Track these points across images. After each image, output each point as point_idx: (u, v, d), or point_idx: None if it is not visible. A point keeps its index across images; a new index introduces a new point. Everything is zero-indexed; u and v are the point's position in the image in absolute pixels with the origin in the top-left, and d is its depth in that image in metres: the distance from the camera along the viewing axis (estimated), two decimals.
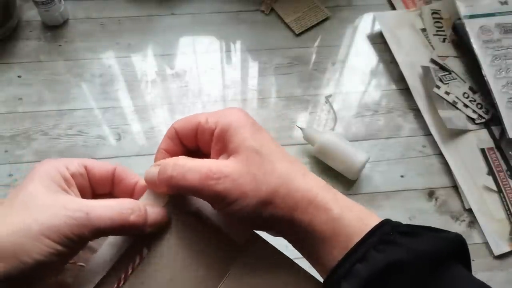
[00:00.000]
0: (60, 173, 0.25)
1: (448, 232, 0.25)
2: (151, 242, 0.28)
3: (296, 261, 0.27)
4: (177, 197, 0.28)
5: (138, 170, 0.52)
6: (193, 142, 0.28)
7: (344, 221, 0.24)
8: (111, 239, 0.27)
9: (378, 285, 0.22)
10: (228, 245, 0.29)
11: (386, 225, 0.24)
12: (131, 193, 0.29)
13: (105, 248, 0.27)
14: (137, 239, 0.27)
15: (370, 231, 0.23)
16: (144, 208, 0.26)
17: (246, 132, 0.26)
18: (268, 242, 0.29)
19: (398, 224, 0.25)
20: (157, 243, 0.28)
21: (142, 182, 0.28)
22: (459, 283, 0.24)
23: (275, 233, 0.27)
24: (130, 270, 0.27)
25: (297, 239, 0.26)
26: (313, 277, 0.27)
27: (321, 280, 0.26)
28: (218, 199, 0.24)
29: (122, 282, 0.27)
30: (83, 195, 0.26)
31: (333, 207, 0.24)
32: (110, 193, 0.29)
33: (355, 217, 0.24)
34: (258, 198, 0.24)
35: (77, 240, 0.23)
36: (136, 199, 0.28)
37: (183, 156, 0.27)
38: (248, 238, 0.29)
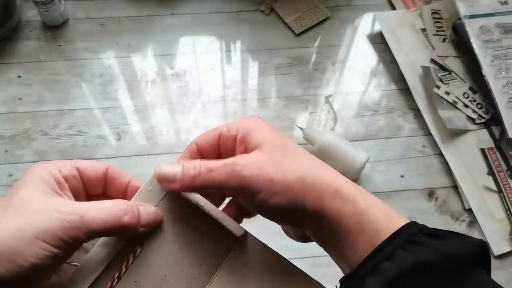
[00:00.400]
0: (53, 176, 0.25)
1: (473, 237, 0.24)
2: (144, 240, 0.28)
3: (293, 261, 0.28)
4: (171, 194, 0.28)
5: (138, 170, 0.52)
6: (214, 154, 0.28)
7: (371, 216, 0.24)
8: (104, 239, 0.27)
9: (404, 285, 0.22)
10: (225, 238, 0.29)
11: (413, 226, 0.24)
12: (124, 192, 0.28)
13: (98, 248, 0.27)
14: (131, 238, 0.27)
15: (397, 230, 0.23)
16: (137, 209, 0.26)
17: (266, 131, 0.26)
18: (262, 243, 0.29)
19: (424, 226, 0.24)
20: (150, 241, 0.28)
21: (134, 181, 0.28)
22: (484, 287, 0.23)
23: (299, 225, 0.26)
24: (123, 269, 0.27)
25: (321, 231, 0.25)
26: (308, 276, 0.27)
27: (312, 277, 0.26)
28: (245, 186, 0.24)
29: (115, 282, 0.27)
30: (77, 197, 0.26)
31: (360, 200, 0.24)
32: (103, 194, 0.28)
33: (382, 214, 0.24)
34: (285, 185, 0.24)
35: (72, 242, 0.23)
36: (129, 199, 0.27)
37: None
38: (243, 235, 0.29)
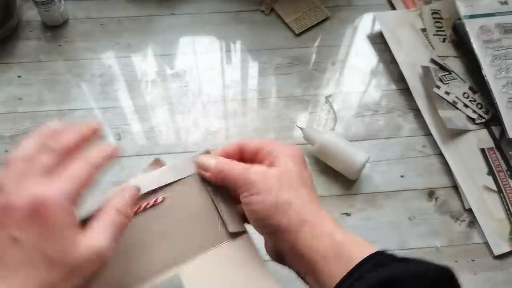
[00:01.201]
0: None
1: (437, 264, 0.28)
2: (167, 196, 0.34)
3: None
4: (197, 175, 0.35)
5: (138, 170, 0.52)
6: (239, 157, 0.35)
7: (346, 247, 0.28)
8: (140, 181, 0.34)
9: None
10: (220, 228, 0.35)
11: (381, 254, 0.28)
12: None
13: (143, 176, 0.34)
14: (161, 187, 0.34)
15: (367, 257, 0.27)
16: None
17: (291, 160, 0.33)
18: (252, 244, 0.34)
19: (392, 254, 0.28)
20: (170, 201, 0.34)
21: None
22: None
23: (278, 242, 0.31)
24: (141, 207, 0.33)
25: (298, 256, 0.30)
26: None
27: None
28: (248, 185, 0.30)
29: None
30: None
31: (338, 234, 0.29)
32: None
33: (356, 245, 0.28)
34: (277, 199, 0.30)
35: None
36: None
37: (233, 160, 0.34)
38: (238, 232, 0.34)
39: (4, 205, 0.25)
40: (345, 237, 0.29)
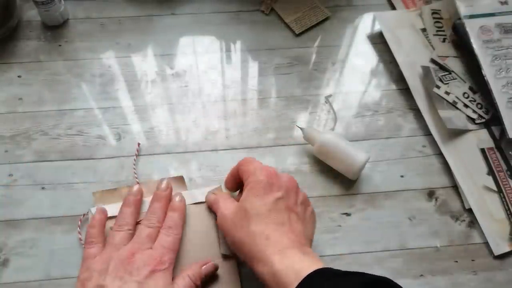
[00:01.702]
0: None
1: (374, 275, 0.34)
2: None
3: None
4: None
5: (138, 170, 0.53)
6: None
7: (283, 274, 0.34)
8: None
9: None
10: (216, 248, 0.45)
11: (315, 274, 0.34)
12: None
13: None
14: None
15: (302, 280, 0.33)
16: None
17: (247, 193, 0.41)
18: (237, 274, 0.44)
19: (328, 270, 0.34)
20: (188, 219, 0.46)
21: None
22: None
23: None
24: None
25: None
26: None
27: None
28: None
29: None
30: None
31: (277, 263, 0.35)
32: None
33: (292, 271, 0.34)
34: (233, 239, 0.40)
35: None
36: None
37: (227, 196, 0.45)
38: (228, 255, 0.44)
39: None
40: (284, 265, 0.35)
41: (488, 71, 0.55)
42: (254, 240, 0.37)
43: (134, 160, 0.51)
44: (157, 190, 0.46)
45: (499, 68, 0.56)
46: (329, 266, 0.35)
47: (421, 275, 0.47)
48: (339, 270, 0.35)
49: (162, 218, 0.45)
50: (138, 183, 0.49)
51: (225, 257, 0.45)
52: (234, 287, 0.44)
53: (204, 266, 0.43)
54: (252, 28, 0.63)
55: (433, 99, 0.56)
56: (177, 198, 0.46)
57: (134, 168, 0.51)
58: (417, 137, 0.56)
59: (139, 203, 0.47)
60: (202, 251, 0.45)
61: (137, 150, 0.52)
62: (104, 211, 0.46)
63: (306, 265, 0.34)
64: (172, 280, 0.40)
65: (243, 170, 0.43)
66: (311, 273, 0.33)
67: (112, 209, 0.47)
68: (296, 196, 0.42)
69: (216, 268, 0.44)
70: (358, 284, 0.33)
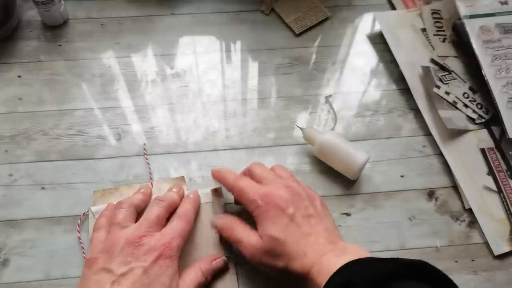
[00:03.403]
0: None
1: (406, 259, 0.35)
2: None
3: None
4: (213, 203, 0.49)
5: (138, 170, 0.53)
6: None
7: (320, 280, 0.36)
8: None
9: None
10: (212, 250, 0.46)
11: (351, 264, 0.35)
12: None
13: None
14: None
15: (332, 274, 0.35)
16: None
17: (270, 217, 0.41)
18: (234, 274, 0.45)
19: (360, 260, 0.36)
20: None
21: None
22: None
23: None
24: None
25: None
26: None
27: None
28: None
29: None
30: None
31: (315, 276, 0.37)
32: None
33: (326, 273, 0.36)
34: (275, 269, 0.40)
35: None
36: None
37: (239, 223, 0.44)
38: (227, 257, 0.45)
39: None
40: (321, 274, 0.37)
41: (488, 71, 0.55)
42: (296, 261, 0.38)
43: (146, 159, 0.52)
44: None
45: (499, 68, 0.56)
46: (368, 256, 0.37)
47: None
48: (375, 257, 0.36)
49: (173, 204, 0.44)
50: (152, 183, 0.50)
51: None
52: (231, 287, 0.44)
53: (214, 261, 0.43)
54: (252, 28, 0.63)
55: (433, 99, 0.56)
56: (191, 195, 0.46)
57: (149, 168, 0.51)
58: (417, 137, 0.56)
59: (149, 196, 0.47)
60: (202, 251, 0.45)
61: (144, 149, 0.52)
62: (113, 206, 0.46)
63: (342, 262, 0.36)
64: (180, 271, 0.40)
65: (237, 196, 0.44)
66: (348, 263, 0.35)
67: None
68: (300, 198, 0.42)
69: (226, 263, 0.44)
70: (400, 264, 0.34)
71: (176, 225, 0.42)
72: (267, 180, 0.44)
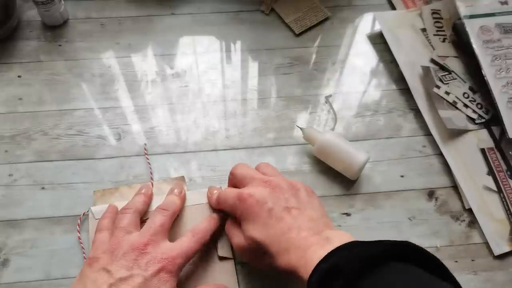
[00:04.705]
0: None
1: (391, 240, 0.34)
2: (184, 213, 0.47)
3: None
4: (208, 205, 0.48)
5: (138, 170, 0.53)
6: None
7: (308, 264, 0.35)
8: None
9: (325, 284, 0.33)
10: (210, 251, 0.45)
11: (338, 249, 0.35)
12: None
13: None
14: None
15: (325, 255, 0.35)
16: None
17: (250, 218, 0.42)
18: (235, 276, 0.45)
19: (348, 244, 0.35)
20: (184, 218, 0.47)
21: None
22: (389, 276, 0.32)
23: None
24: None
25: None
26: None
27: None
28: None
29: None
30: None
31: (302, 271, 0.36)
32: None
33: (317, 258, 0.35)
34: (263, 266, 0.41)
35: None
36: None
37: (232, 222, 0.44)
38: (225, 257, 0.45)
39: None
40: (309, 259, 0.36)
41: (488, 71, 0.55)
42: (279, 258, 0.38)
43: (147, 159, 0.51)
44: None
45: (499, 68, 0.56)
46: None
47: None
48: (360, 241, 0.35)
49: (177, 211, 0.45)
50: (152, 183, 0.50)
51: (223, 259, 0.45)
52: (232, 282, 0.44)
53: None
54: (252, 28, 0.63)
55: (433, 99, 0.56)
56: (215, 219, 0.45)
57: (150, 168, 0.51)
58: (417, 137, 0.56)
59: (151, 197, 0.47)
60: (200, 252, 0.45)
61: (145, 149, 0.52)
62: (115, 207, 0.46)
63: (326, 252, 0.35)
64: None
65: (220, 207, 0.45)
66: (333, 250, 0.34)
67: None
68: (280, 191, 0.41)
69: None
70: (387, 246, 0.33)
71: (187, 242, 0.41)
72: (246, 179, 0.43)
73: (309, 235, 0.37)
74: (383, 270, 0.32)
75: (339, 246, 0.34)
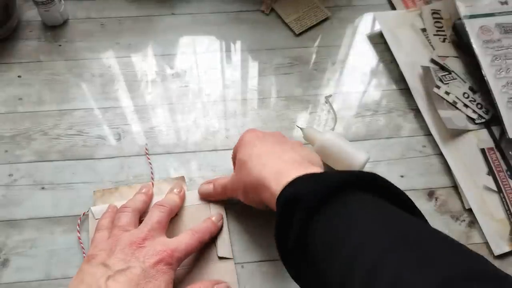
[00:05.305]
0: None
1: (359, 171, 0.34)
2: (183, 213, 0.48)
3: None
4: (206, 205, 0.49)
5: (138, 170, 0.52)
6: None
7: (274, 191, 0.36)
8: None
9: (283, 214, 0.34)
10: (214, 250, 0.46)
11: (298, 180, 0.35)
12: None
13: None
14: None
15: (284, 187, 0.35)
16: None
17: (240, 150, 0.44)
18: (235, 276, 0.45)
19: (317, 174, 0.35)
20: (183, 217, 0.47)
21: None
22: (348, 205, 0.32)
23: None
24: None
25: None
26: None
27: None
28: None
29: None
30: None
31: (273, 186, 0.37)
32: None
33: (281, 185, 0.36)
34: (241, 190, 0.42)
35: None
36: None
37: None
38: (224, 258, 0.45)
39: None
40: (279, 186, 0.36)
41: (488, 71, 0.55)
42: (256, 168, 0.39)
43: (148, 159, 0.52)
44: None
45: (499, 68, 0.56)
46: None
47: None
48: (333, 171, 0.37)
49: (175, 208, 0.45)
50: (152, 183, 0.50)
51: (222, 259, 0.45)
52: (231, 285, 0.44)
53: (216, 285, 0.42)
54: (252, 28, 0.63)
55: (433, 99, 0.56)
56: (219, 222, 0.46)
57: (151, 168, 0.51)
58: (417, 137, 0.56)
59: (151, 197, 0.47)
60: (199, 253, 0.45)
61: (146, 150, 0.52)
62: (115, 207, 0.46)
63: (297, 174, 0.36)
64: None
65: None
66: (302, 175, 0.35)
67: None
68: (271, 134, 0.45)
69: None
70: (353, 176, 0.33)
71: (186, 239, 0.41)
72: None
73: (292, 161, 0.39)
74: (341, 199, 0.32)
75: (309, 174, 0.35)
